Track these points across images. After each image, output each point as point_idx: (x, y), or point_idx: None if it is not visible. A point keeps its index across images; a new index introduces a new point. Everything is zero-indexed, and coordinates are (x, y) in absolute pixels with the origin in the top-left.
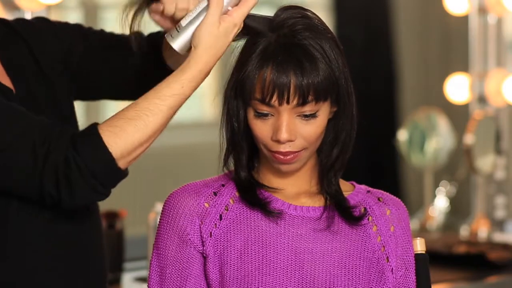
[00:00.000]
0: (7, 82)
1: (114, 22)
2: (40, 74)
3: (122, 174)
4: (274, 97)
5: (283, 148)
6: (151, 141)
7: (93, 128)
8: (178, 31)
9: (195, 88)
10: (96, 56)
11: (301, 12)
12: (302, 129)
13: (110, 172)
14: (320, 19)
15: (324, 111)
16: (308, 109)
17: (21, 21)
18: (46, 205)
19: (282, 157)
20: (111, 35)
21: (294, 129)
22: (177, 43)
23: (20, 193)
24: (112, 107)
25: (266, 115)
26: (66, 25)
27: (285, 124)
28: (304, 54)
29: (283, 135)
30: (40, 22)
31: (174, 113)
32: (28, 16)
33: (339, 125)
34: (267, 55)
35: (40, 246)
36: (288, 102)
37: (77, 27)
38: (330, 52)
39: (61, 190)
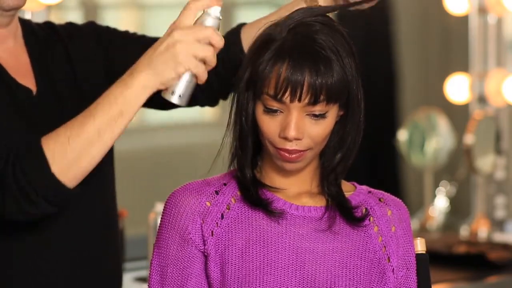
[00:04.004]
0: (29, 81)
1: (114, 22)
2: (73, 80)
3: (61, 185)
4: (287, 94)
5: (290, 146)
6: (96, 149)
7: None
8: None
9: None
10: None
11: (320, 14)
12: (311, 129)
13: (45, 180)
14: (337, 23)
15: (333, 113)
16: (318, 109)
17: (69, 26)
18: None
19: (287, 154)
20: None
21: (302, 127)
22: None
23: None
24: None
25: (275, 111)
26: (113, 31)
27: (295, 121)
28: (320, 55)
29: (292, 132)
30: (88, 28)
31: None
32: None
33: (345, 129)
34: (284, 52)
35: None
36: (299, 100)
37: (123, 33)
38: (345, 56)
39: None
